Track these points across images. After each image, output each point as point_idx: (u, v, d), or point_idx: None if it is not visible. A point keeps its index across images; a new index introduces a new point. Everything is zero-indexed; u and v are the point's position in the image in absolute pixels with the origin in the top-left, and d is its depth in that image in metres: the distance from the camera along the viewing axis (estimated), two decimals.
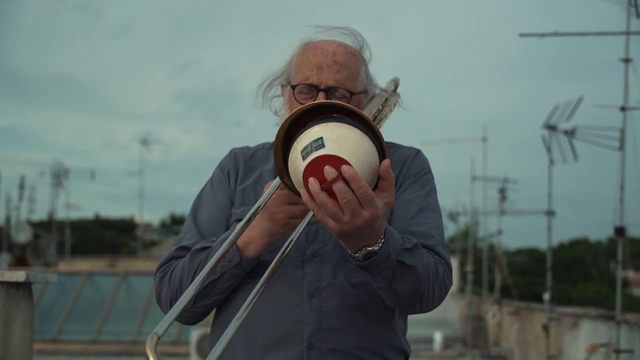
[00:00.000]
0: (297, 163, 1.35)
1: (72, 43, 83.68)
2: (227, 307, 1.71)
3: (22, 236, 23.64)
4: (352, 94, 1.69)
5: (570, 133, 9.48)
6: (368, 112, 1.72)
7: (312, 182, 1.32)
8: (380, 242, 1.44)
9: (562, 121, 9.65)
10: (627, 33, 6.87)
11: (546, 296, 10.75)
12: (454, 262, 23.30)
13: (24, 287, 2.61)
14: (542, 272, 13.79)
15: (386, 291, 1.53)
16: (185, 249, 1.71)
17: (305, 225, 1.51)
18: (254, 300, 1.42)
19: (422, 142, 14.62)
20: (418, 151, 1.82)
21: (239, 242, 1.60)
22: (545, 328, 10.36)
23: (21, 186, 27.08)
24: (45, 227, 32.65)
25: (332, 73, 1.67)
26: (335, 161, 1.31)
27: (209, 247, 1.64)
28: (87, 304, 14.49)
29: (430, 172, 1.80)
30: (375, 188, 1.38)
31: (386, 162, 1.36)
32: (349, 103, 1.63)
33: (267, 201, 1.52)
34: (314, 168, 1.32)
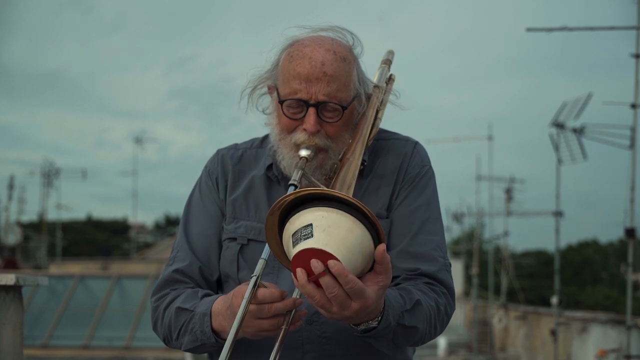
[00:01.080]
0: (289, 247, 1.40)
1: (64, 39, 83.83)
2: None
3: (12, 238, 23.65)
4: (343, 107, 1.65)
5: (579, 131, 9.49)
6: (365, 129, 1.70)
7: (300, 273, 1.36)
8: (379, 318, 1.48)
9: (570, 119, 9.67)
10: (638, 28, 6.87)
11: (554, 300, 10.76)
12: (459, 265, 23.30)
13: (14, 290, 2.62)
14: (550, 275, 13.80)
15: (387, 346, 1.58)
16: (181, 272, 1.72)
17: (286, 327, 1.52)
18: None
19: (426, 140, 14.61)
20: (415, 145, 1.80)
21: (215, 324, 1.59)
22: (553, 333, 10.36)
23: (10, 186, 27.07)
24: (35, 228, 32.66)
25: (322, 86, 1.62)
26: (322, 255, 1.33)
27: (191, 310, 1.64)
28: (79, 308, 14.48)
29: (429, 166, 1.78)
30: (371, 269, 1.41)
31: (382, 247, 1.38)
32: (340, 117, 1.64)
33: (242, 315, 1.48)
34: (302, 259, 1.35)
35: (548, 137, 10.16)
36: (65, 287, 14.83)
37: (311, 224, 1.35)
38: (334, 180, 1.60)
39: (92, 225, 44.59)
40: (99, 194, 74.47)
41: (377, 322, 1.47)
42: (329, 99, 1.63)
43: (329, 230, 1.34)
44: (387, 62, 1.91)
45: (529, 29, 7.22)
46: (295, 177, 1.56)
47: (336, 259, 1.33)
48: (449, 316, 1.66)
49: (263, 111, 1.78)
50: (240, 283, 1.66)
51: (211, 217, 1.76)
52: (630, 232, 7.02)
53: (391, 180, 1.73)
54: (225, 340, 1.51)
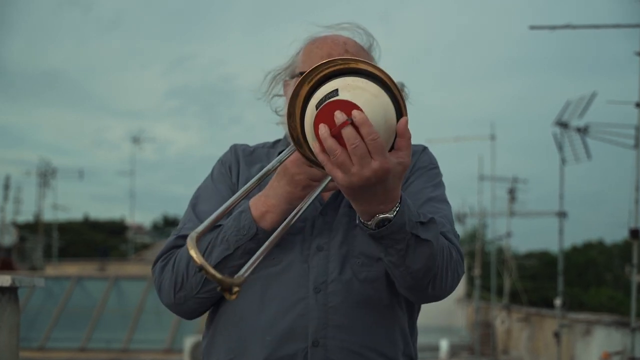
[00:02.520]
0: (310, 116, 1.36)
1: (62, 38, 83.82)
2: (226, 309, 1.71)
3: (7, 239, 23.65)
4: None
5: (583, 130, 9.49)
6: None
7: (322, 128, 1.32)
8: (395, 209, 1.44)
9: (574, 118, 9.67)
10: None
11: (557, 302, 10.77)
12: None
13: (10, 292, 2.62)
14: (553, 276, 13.81)
15: (398, 268, 1.53)
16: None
17: (321, 191, 1.55)
18: (254, 266, 1.38)
19: (428, 139, 14.62)
20: (425, 148, 1.85)
21: (255, 212, 1.60)
22: (557, 335, 10.37)
23: (6, 186, 27.08)
24: (31, 229, 32.66)
25: None
26: (346, 106, 1.31)
27: (219, 225, 1.63)
28: (76, 309, 14.50)
29: (438, 167, 1.83)
30: (391, 149, 1.38)
31: (404, 119, 1.36)
32: None
33: (280, 165, 1.53)
34: (325, 114, 1.32)
35: (551, 136, 10.17)
36: (62, 289, 14.84)
37: (337, 89, 1.34)
38: None
39: (89, 226, 44.60)
40: (96, 194, 74.51)
41: (392, 214, 1.43)
42: None
43: (354, 92, 1.33)
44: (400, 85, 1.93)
45: (532, 27, 7.23)
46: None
47: (360, 110, 1.31)
48: (459, 274, 1.64)
49: (276, 111, 1.82)
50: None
51: (223, 198, 1.76)
52: (634, 233, 7.02)
53: None
54: (270, 231, 1.55)
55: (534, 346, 14.09)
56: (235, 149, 1.87)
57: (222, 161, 1.86)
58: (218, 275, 1.22)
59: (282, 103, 1.81)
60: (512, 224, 18.14)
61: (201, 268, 1.22)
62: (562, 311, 10.83)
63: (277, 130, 1.88)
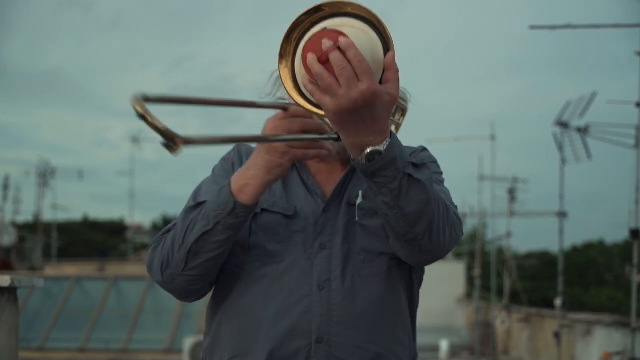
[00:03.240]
0: (300, 55, 1.39)
1: (62, 37, 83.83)
2: (230, 306, 1.72)
3: (7, 239, 23.65)
4: None
5: (583, 130, 9.50)
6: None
7: (310, 56, 1.35)
8: (385, 143, 1.43)
9: (574, 118, 9.67)
10: None
11: (558, 302, 10.77)
12: (461, 267, 23.31)
13: (9, 292, 2.62)
14: (554, 276, 13.81)
15: (392, 209, 1.50)
16: None
17: (302, 159, 1.59)
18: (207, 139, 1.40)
19: (428, 139, 14.62)
20: (424, 148, 1.86)
21: (234, 186, 1.59)
22: (557, 335, 10.37)
23: (5, 186, 27.08)
24: (30, 229, 32.66)
25: None
26: (333, 34, 1.35)
27: (203, 201, 1.64)
28: (75, 310, 14.50)
29: (438, 164, 1.84)
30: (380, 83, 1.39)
31: (392, 53, 1.38)
32: None
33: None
34: (313, 44, 1.36)
35: (552, 136, 10.17)
36: (61, 289, 14.85)
37: (325, 27, 1.38)
38: None
39: (89, 226, 44.61)
40: (95, 194, 74.51)
41: (383, 147, 1.43)
42: None
43: (341, 27, 1.37)
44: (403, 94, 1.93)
45: (532, 27, 7.23)
46: None
47: (346, 36, 1.34)
48: (457, 234, 1.62)
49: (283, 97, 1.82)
50: (250, 248, 1.69)
51: None
52: (635, 233, 7.03)
53: None
54: (249, 206, 1.57)
55: (534, 346, 14.10)
56: (238, 148, 1.87)
57: (225, 159, 1.86)
58: (160, 125, 1.24)
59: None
60: (512, 224, 18.15)
61: (142, 116, 1.24)
62: (563, 311, 10.83)
63: None
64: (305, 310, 1.65)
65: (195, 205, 1.66)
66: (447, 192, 1.75)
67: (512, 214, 17.76)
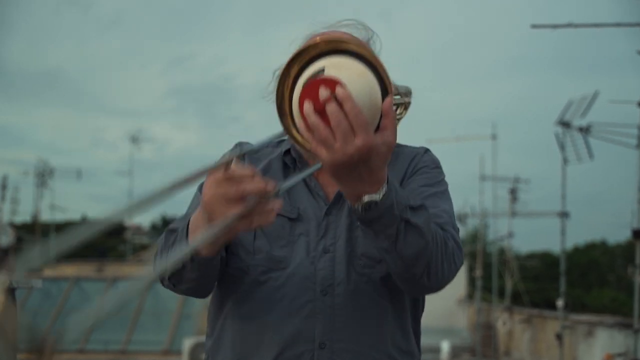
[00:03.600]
0: (297, 94, 1.38)
1: (60, 36, 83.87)
2: (233, 309, 1.72)
3: (4, 239, 23.65)
4: None
5: (585, 130, 9.49)
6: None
7: (306, 104, 1.34)
8: (382, 190, 1.44)
9: (576, 117, 9.66)
10: None
11: (560, 303, 10.76)
12: (462, 267, 23.26)
13: (7, 293, 2.62)
14: (556, 277, 13.80)
15: (390, 254, 1.52)
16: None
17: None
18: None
19: (428, 139, 14.63)
20: (427, 149, 1.86)
21: (190, 231, 1.56)
22: (559, 337, 10.37)
23: (3, 186, 27.07)
24: (28, 229, 32.63)
25: None
26: (330, 83, 1.33)
27: (176, 230, 1.65)
28: (74, 311, 14.49)
29: (440, 168, 1.83)
30: (377, 129, 1.38)
31: (389, 99, 1.37)
32: None
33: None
34: (310, 91, 1.34)
35: (553, 136, 10.15)
36: (59, 290, 14.85)
37: (323, 68, 1.36)
38: None
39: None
40: (94, 195, 74.45)
41: (379, 196, 1.43)
42: None
43: (339, 70, 1.35)
44: (406, 89, 1.93)
45: (534, 26, 7.23)
46: None
47: (343, 86, 1.33)
48: (456, 265, 1.62)
49: None
50: (255, 252, 1.70)
51: None
52: (637, 233, 7.03)
53: (402, 169, 1.78)
54: (206, 257, 1.53)
55: (536, 348, 14.09)
56: (240, 146, 1.86)
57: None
58: None
59: None
60: (513, 224, 18.19)
61: None
62: (565, 312, 10.83)
63: (277, 129, 1.88)
64: (308, 315, 1.65)
65: (171, 229, 1.66)
66: (449, 210, 1.73)
67: (513, 214, 17.76)
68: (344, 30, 1.78)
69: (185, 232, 1.58)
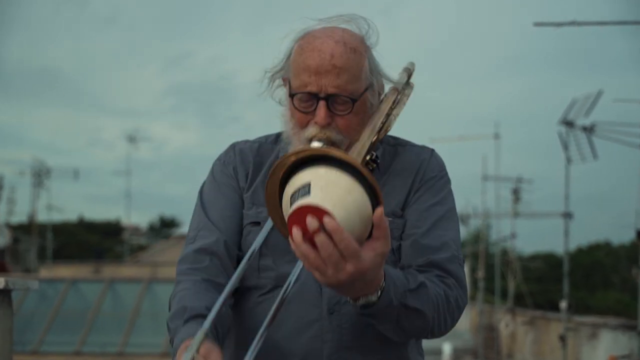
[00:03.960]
0: (286, 208, 1.40)
1: (57, 35, 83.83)
2: (237, 326, 1.74)
3: (0, 240, 23.68)
4: (353, 100, 1.68)
5: (589, 129, 9.50)
6: (376, 119, 1.72)
7: (295, 232, 1.36)
8: (379, 291, 1.47)
9: (580, 117, 9.68)
10: None
11: (563, 304, 10.76)
12: (465, 269, 23.22)
13: (3, 294, 2.62)
14: (559, 278, 13.80)
15: (392, 331, 1.58)
16: (204, 250, 1.72)
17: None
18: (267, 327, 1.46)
19: (431, 138, 14.65)
20: (432, 152, 1.85)
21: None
22: (562, 339, 10.37)
23: None
24: (25, 230, 32.66)
25: (331, 79, 1.66)
26: (318, 212, 1.34)
27: (173, 330, 1.66)
28: (71, 312, 14.49)
29: (446, 174, 1.83)
30: (370, 236, 1.41)
31: (379, 210, 1.37)
32: (351, 109, 1.67)
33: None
34: (298, 217, 1.35)
35: (557, 135, 10.17)
36: (56, 291, 14.84)
37: (309, 183, 1.36)
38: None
39: (84, 227, 44.58)
40: (91, 195, 74.47)
41: (376, 297, 1.47)
42: (338, 91, 1.66)
43: (326, 189, 1.35)
44: (408, 70, 1.93)
45: (537, 24, 7.22)
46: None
47: (331, 215, 1.33)
48: (460, 309, 1.67)
49: (280, 102, 1.81)
50: (260, 269, 1.72)
51: (230, 200, 1.79)
52: None
53: (408, 180, 1.77)
54: None
55: (539, 350, 14.09)
56: (240, 150, 1.86)
57: (224, 162, 1.85)
58: None
59: (283, 94, 1.79)
60: (516, 225, 18.15)
61: None
62: (568, 314, 10.83)
63: (277, 128, 1.88)
64: (316, 334, 1.66)
65: (171, 327, 1.68)
66: (455, 237, 1.75)
67: (516, 214, 17.77)
68: (337, 28, 1.74)
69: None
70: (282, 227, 1.49)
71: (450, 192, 1.81)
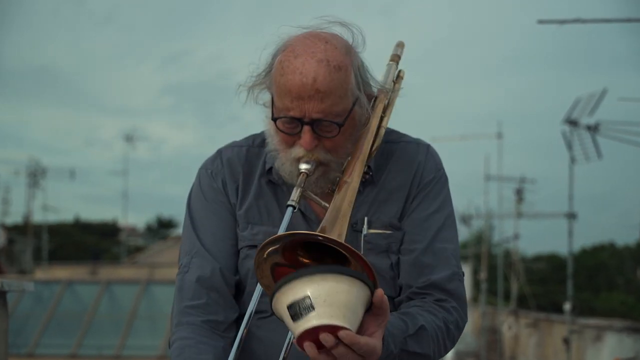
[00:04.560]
0: (286, 318, 1.41)
1: (53, 32, 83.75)
2: (245, 347, 1.72)
3: None
4: (339, 124, 1.63)
5: (593, 129, 9.50)
6: (366, 137, 1.71)
7: (309, 347, 1.39)
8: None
9: (584, 116, 9.68)
10: None
11: (567, 306, 10.77)
12: (466, 270, 23.26)
13: None
14: (563, 280, 13.81)
15: None
16: (201, 284, 1.72)
17: None
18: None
19: (432, 138, 14.63)
20: (428, 148, 1.82)
21: None
22: (566, 341, 10.37)
23: None
24: (20, 231, 32.66)
25: (315, 104, 1.60)
26: (331, 329, 1.37)
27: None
28: (66, 314, 14.50)
29: (443, 173, 1.81)
30: (368, 310, 1.44)
31: (380, 292, 1.41)
32: (338, 132, 1.63)
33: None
34: (309, 334, 1.38)
35: (561, 135, 10.18)
36: (52, 293, 14.84)
37: (308, 296, 1.38)
38: (329, 208, 1.58)
39: (80, 228, 44.57)
40: (87, 195, 74.44)
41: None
42: (323, 116, 1.62)
43: (329, 300, 1.37)
44: (396, 57, 1.90)
45: (541, 21, 7.21)
46: (294, 196, 1.58)
47: (346, 328, 1.37)
48: (460, 329, 1.71)
49: (264, 104, 1.76)
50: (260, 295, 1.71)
51: (223, 220, 1.77)
52: None
53: (405, 187, 1.76)
54: None
55: (543, 353, 14.09)
56: (228, 160, 1.82)
57: (212, 173, 1.81)
58: None
59: (268, 98, 1.73)
60: (519, 225, 18.16)
61: None
62: (572, 316, 10.83)
63: None
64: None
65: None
66: (455, 247, 1.77)
67: (519, 215, 17.77)
68: (320, 30, 1.69)
69: None
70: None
71: (448, 194, 1.80)
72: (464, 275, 1.76)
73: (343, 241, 1.43)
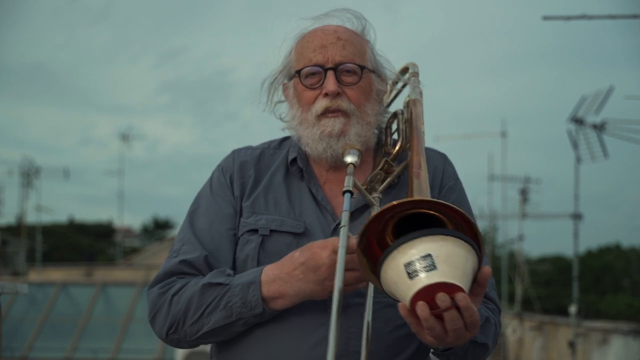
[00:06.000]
0: (399, 278, 1.41)
1: (47, 29, 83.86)
2: (245, 332, 1.74)
3: None
4: (362, 67, 1.73)
5: (599, 127, 9.50)
6: (417, 134, 1.75)
7: (422, 306, 1.40)
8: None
9: (590, 114, 9.69)
10: None
11: (572, 309, 10.77)
12: None
13: None
14: (568, 282, 13.82)
15: None
16: (188, 263, 1.73)
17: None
18: None
19: (435, 136, 14.66)
20: (445, 157, 1.88)
21: (267, 292, 1.62)
22: (572, 345, 10.37)
23: None
24: (13, 232, 32.69)
25: (337, 50, 1.72)
26: (449, 288, 1.39)
27: (226, 284, 1.66)
28: (61, 317, 14.51)
29: (459, 179, 1.87)
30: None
31: (487, 270, 1.44)
32: (360, 78, 1.72)
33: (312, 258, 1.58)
34: (426, 293, 1.39)
35: (566, 133, 10.18)
36: (46, 295, 14.85)
37: (430, 255, 1.39)
38: (409, 190, 1.60)
39: (75, 229, 44.61)
40: (82, 195, 74.57)
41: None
42: (346, 59, 1.72)
43: (449, 261, 1.39)
44: (415, 74, 1.95)
45: (546, 18, 7.22)
46: (348, 183, 1.61)
47: (463, 291, 1.39)
48: (499, 331, 1.76)
49: (281, 118, 1.85)
50: None
51: (222, 215, 1.80)
52: None
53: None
54: (275, 309, 1.62)
55: (548, 356, 14.10)
56: (240, 157, 1.87)
57: (222, 169, 1.86)
58: None
59: (285, 109, 1.83)
60: (524, 226, 18.18)
61: None
62: (577, 319, 10.84)
63: (276, 128, 1.88)
64: (321, 338, 1.67)
65: (216, 283, 1.68)
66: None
67: (524, 215, 17.78)
68: (333, 22, 1.79)
69: (259, 286, 1.64)
70: (372, 277, 1.50)
71: (466, 197, 1.86)
72: (494, 284, 1.82)
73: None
